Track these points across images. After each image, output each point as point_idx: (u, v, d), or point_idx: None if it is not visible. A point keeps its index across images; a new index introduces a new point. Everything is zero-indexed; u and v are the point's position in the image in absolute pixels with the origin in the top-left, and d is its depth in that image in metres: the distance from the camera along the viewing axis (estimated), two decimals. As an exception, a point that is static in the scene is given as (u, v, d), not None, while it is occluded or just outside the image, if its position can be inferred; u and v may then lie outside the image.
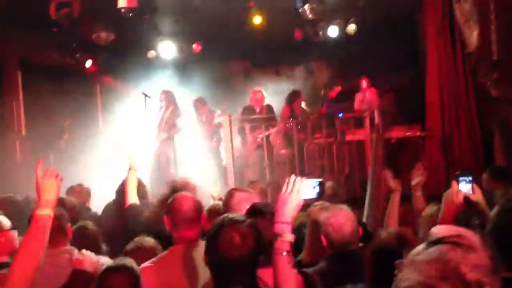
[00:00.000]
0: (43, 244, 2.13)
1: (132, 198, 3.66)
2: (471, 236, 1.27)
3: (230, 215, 2.22)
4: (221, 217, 2.25)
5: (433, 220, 2.51)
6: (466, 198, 2.41)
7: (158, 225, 3.11)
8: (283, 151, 7.93)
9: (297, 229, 3.33)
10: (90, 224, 3.38)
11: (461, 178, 2.46)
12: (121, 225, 3.74)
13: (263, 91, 8.29)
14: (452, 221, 2.42)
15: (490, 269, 1.21)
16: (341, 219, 2.76)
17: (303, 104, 8.49)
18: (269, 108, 8.17)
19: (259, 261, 2.05)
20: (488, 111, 6.17)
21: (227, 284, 1.99)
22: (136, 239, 3.01)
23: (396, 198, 3.52)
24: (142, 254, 2.80)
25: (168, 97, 8.39)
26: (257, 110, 8.13)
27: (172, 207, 2.76)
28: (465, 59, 6.53)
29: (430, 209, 2.88)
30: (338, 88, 8.42)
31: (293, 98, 8.17)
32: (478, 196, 2.44)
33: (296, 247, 2.77)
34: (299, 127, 7.70)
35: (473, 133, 6.64)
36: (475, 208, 2.41)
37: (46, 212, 2.15)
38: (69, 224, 2.99)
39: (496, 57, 5.19)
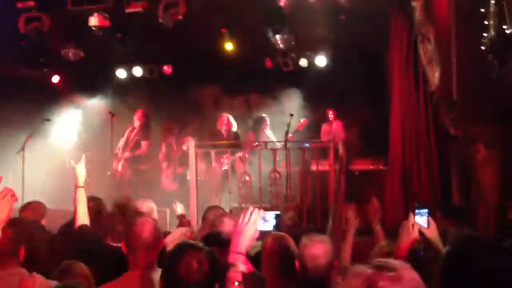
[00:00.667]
0: None
1: (82, 218, 3.52)
2: (401, 266, 1.34)
3: (189, 242, 2.24)
4: (180, 243, 2.25)
5: (384, 254, 2.56)
6: (421, 231, 2.47)
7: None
8: (246, 178, 7.93)
9: (255, 258, 3.34)
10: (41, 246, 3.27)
11: (417, 211, 2.52)
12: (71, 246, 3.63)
13: (230, 117, 8.36)
14: (407, 252, 2.47)
15: None
16: (317, 250, 2.76)
17: (268, 131, 8.58)
18: (236, 134, 8.23)
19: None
20: (447, 149, 6.36)
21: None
22: (65, 262, 2.90)
23: (350, 234, 3.57)
24: (71, 279, 2.71)
25: (141, 117, 8.39)
26: (224, 135, 8.16)
27: (131, 233, 2.71)
28: (427, 98, 6.75)
29: (381, 245, 2.94)
30: (305, 122, 8.56)
31: (258, 125, 8.24)
32: (432, 230, 2.50)
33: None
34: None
35: (432, 170, 6.81)
36: (428, 242, 2.47)
37: None
38: (22, 246, 2.89)
39: (456, 97, 5.38)
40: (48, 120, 8.26)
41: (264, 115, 8.54)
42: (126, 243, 2.65)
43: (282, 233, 3.19)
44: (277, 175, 7.27)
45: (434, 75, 5.79)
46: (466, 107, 5.28)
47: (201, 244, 2.19)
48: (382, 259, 1.42)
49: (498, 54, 4.30)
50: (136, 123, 8.39)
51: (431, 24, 5.66)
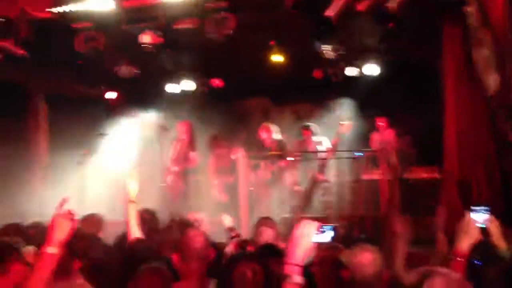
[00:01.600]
0: (45, 281, 2.14)
1: (134, 232, 3.63)
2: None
3: (243, 252, 2.26)
4: (234, 254, 2.28)
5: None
6: (482, 229, 2.39)
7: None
8: (296, 188, 7.92)
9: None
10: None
11: (475, 209, 2.43)
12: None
13: (270, 125, 8.35)
14: (468, 251, 2.38)
15: None
16: (364, 260, 2.73)
17: (317, 138, 8.51)
18: (280, 142, 8.22)
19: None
20: (508, 157, 6.11)
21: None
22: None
23: (401, 244, 3.49)
24: None
25: (187, 130, 8.53)
26: (268, 145, 8.18)
27: (182, 244, 2.78)
28: (484, 104, 6.50)
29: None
30: (349, 125, 8.33)
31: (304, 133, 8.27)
32: (493, 227, 2.40)
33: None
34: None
35: (492, 178, 6.54)
36: (489, 239, 2.37)
37: (53, 251, 2.18)
38: (76, 260, 2.93)
39: (515, 103, 5.17)
40: (103, 134, 8.56)
41: (309, 124, 8.48)
42: (178, 255, 2.72)
43: (335, 243, 3.16)
44: (328, 184, 7.22)
45: (491, 81, 5.58)
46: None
47: (255, 254, 2.21)
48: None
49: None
50: (183, 136, 8.54)
51: (487, 28, 5.47)
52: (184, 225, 3.87)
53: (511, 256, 2.05)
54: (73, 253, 2.92)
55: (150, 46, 7.05)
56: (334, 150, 7.72)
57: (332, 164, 7.85)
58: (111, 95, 9.34)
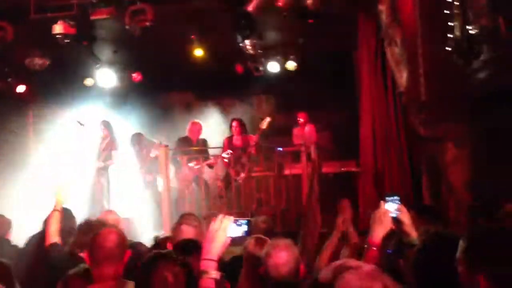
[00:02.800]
0: None
1: (53, 237, 3.51)
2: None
3: (161, 252, 2.18)
4: (151, 254, 2.20)
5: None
6: (394, 218, 2.46)
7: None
8: (219, 184, 7.91)
9: (230, 263, 3.30)
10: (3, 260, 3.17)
11: (388, 199, 2.49)
12: (42, 261, 3.57)
13: (201, 124, 8.31)
14: (380, 242, 2.45)
15: None
16: (280, 259, 2.69)
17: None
18: (204, 141, 8.19)
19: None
20: (418, 150, 6.43)
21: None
22: None
23: (335, 237, 3.57)
24: None
25: (107, 128, 8.28)
26: (194, 142, 8.11)
27: (94, 243, 2.64)
28: (396, 100, 6.82)
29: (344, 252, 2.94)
30: (269, 120, 8.38)
31: (230, 129, 8.25)
32: (404, 216, 2.49)
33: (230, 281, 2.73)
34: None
35: (403, 171, 6.88)
36: (402, 231, 2.45)
37: None
38: None
39: (424, 98, 5.45)
40: (81, 123, 8.09)
41: (236, 118, 8.47)
42: (89, 255, 2.57)
43: (264, 237, 3.16)
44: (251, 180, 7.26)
45: (402, 77, 5.85)
46: (434, 107, 5.35)
47: (174, 255, 2.15)
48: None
49: (463, 55, 4.36)
50: (103, 133, 8.28)
51: (398, 26, 5.72)
52: (100, 225, 3.71)
53: (421, 244, 2.15)
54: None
55: (63, 37, 6.68)
56: (255, 145, 7.78)
57: (254, 159, 7.90)
58: (21, 88, 8.78)
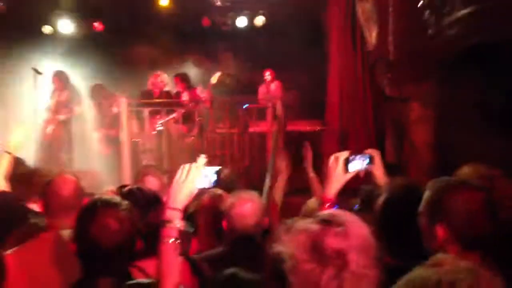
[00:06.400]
0: None
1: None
2: (349, 220, 1.28)
3: (103, 197, 2.03)
4: (93, 199, 2.05)
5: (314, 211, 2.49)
6: (367, 173, 2.43)
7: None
8: (185, 139, 7.76)
9: (188, 218, 3.22)
10: None
11: (356, 157, 2.43)
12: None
13: (164, 76, 8.06)
14: (335, 196, 2.37)
15: (360, 248, 1.23)
16: (245, 210, 2.64)
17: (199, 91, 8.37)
18: (168, 93, 7.96)
19: (133, 249, 1.90)
20: (383, 110, 6.45)
21: (96, 274, 1.82)
22: None
23: (281, 180, 3.67)
24: None
25: (61, 79, 7.90)
26: (157, 94, 7.88)
27: (49, 190, 2.49)
28: (364, 58, 6.77)
29: (312, 202, 2.91)
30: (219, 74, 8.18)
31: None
32: (378, 169, 2.45)
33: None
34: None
35: (368, 131, 6.91)
36: (373, 182, 2.42)
37: None
38: None
39: (392, 57, 5.41)
40: (38, 71, 7.49)
41: (176, 74, 8.27)
42: (43, 203, 2.43)
43: (220, 191, 3.08)
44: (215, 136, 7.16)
45: (372, 35, 5.78)
46: (402, 66, 5.32)
47: (118, 200, 2.00)
48: (330, 212, 1.37)
49: (434, 11, 4.30)
50: (56, 85, 7.92)
51: (370, -19, 5.61)
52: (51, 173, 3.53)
53: (389, 193, 2.13)
54: None
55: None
56: (211, 101, 7.64)
57: (218, 116, 7.78)
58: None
